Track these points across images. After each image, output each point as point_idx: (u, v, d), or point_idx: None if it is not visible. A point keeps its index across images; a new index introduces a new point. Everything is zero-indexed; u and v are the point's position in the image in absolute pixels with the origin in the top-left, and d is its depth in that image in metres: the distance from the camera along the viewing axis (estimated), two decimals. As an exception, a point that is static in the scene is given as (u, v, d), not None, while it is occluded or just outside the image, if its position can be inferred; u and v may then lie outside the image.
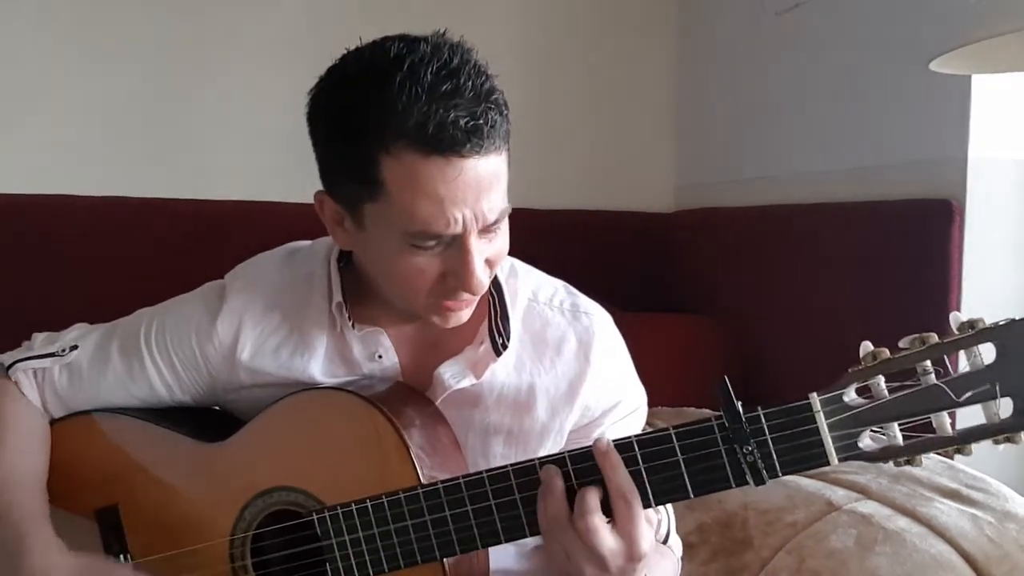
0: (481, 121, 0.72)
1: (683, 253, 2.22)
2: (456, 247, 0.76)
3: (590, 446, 0.74)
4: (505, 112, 0.76)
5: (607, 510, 0.73)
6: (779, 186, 1.88)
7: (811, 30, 1.81)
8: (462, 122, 0.71)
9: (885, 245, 1.53)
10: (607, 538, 0.72)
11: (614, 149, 2.30)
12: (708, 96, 2.23)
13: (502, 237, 0.81)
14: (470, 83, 0.72)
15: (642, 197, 2.30)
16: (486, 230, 0.77)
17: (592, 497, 0.72)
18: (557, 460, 0.76)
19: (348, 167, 0.76)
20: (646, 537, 0.73)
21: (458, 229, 0.75)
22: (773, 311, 1.86)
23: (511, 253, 0.95)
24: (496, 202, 0.76)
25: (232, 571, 0.88)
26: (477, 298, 0.83)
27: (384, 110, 0.72)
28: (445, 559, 0.80)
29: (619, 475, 0.72)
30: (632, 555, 0.72)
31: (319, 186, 0.83)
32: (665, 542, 0.96)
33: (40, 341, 0.97)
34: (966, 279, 1.40)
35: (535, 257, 0.98)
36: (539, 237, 1.65)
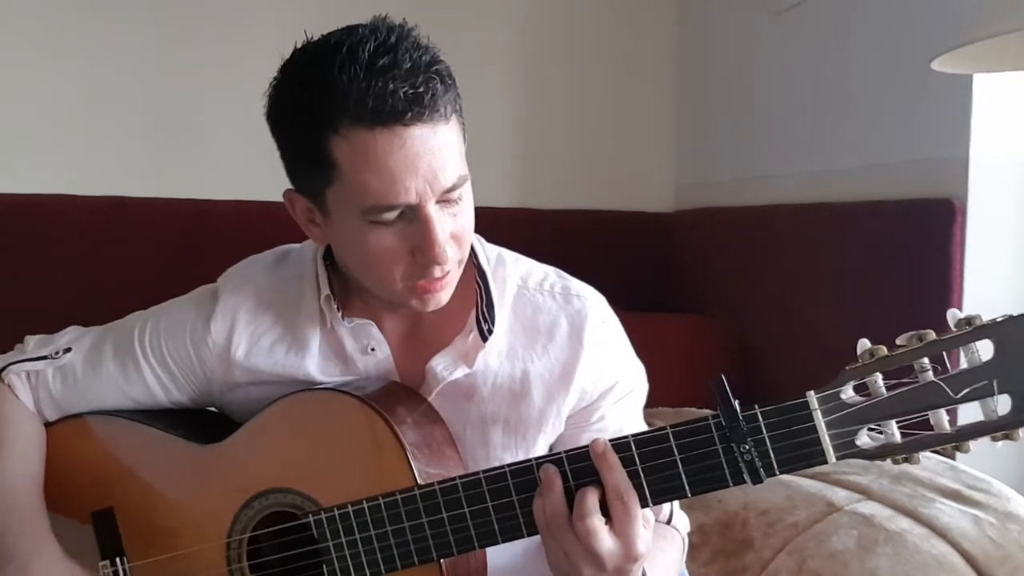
0: (421, 90, 0.73)
1: (683, 253, 2.22)
2: (417, 220, 0.77)
3: (587, 446, 0.74)
4: (449, 82, 0.77)
5: (604, 510, 0.73)
6: (779, 186, 1.88)
7: (811, 30, 1.81)
8: (401, 92, 0.72)
9: (886, 245, 1.52)
10: (605, 539, 0.72)
11: (614, 149, 2.30)
12: (708, 96, 2.23)
13: (466, 212, 0.81)
14: (408, 56, 0.74)
15: (642, 197, 2.30)
16: (446, 201, 0.78)
17: (591, 499, 0.72)
18: (555, 460, 0.75)
19: (304, 156, 0.78)
20: (643, 538, 0.73)
21: (412, 198, 0.75)
22: (773, 311, 1.85)
23: (509, 249, 0.95)
24: (449, 170, 0.77)
25: (229, 573, 0.88)
26: (453, 279, 0.83)
27: (327, 93, 0.73)
28: (442, 560, 0.79)
29: (616, 476, 0.72)
30: (629, 555, 0.72)
31: None
32: (669, 521, 0.96)
33: (33, 344, 0.97)
34: (968, 278, 1.40)
35: (535, 257, 0.98)
36: (539, 237, 1.65)
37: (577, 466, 0.75)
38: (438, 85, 0.75)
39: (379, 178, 0.74)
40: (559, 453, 0.76)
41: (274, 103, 0.80)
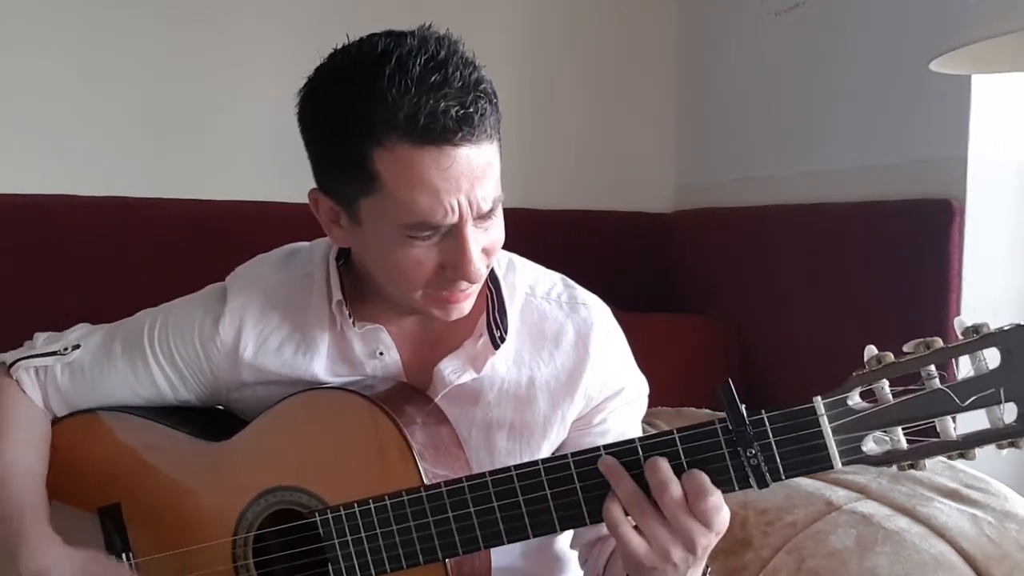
0: (471, 110, 0.73)
1: (683, 253, 2.22)
2: (452, 237, 0.77)
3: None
4: (494, 101, 0.77)
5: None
6: (779, 186, 1.89)
7: (811, 30, 1.81)
8: (452, 111, 0.72)
9: (885, 245, 1.53)
10: (690, 510, 0.70)
11: (614, 149, 2.30)
12: (708, 96, 2.23)
13: (497, 226, 0.81)
14: (458, 73, 0.73)
15: (642, 197, 2.30)
16: (481, 218, 0.78)
17: (665, 466, 0.71)
18: (589, 458, 0.75)
19: (342, 163, 0.77)
20: (726, 508, 0.72)
21: (454, 218, 0.76)
22: (773, 311, 1.86)
23: (510, 250, 0.96)
24: (489, 190, 0.77)
25: (234, 570, 0.89)
26: (476, 289, 0.84)
27: (375, 104, 0.72)
28: (447, 560, 0.80)
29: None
30: (715, 528, 0.71)
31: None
32: None
33: (42, 340, 0.97)
34: (966, 279, 1.41)
35: (535, 257, 0.98)
36: (539, 237, 1.65)
37: (587, 468, 0.75)
38: (486, 105, 0.75)
39: (424, 196, 0.74)
40: (594, 450, 0.75)
41: (311, 106, 0.79)
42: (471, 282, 0.80)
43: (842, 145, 1.71)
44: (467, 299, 0.83)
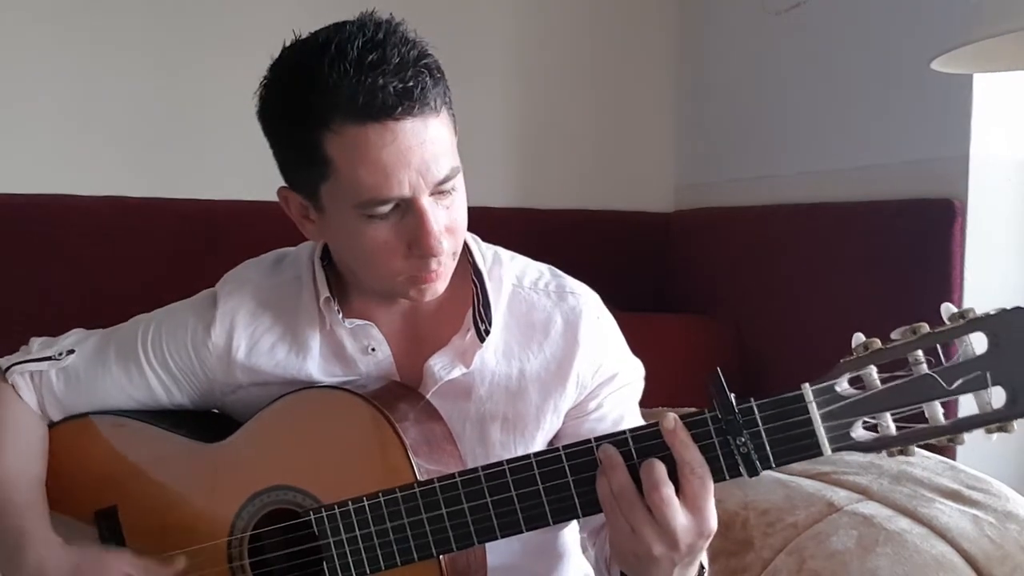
0: (411, 84, 0.74)
1: (683, 253, 2.22)
2: (411, 212, 0.78)
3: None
4: (439, 75, 0.78)
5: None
6: (779, 186, 1.88)
7: (811, 30, 1.81)
8: (391, 87, 0.74)
9: (886, 245, 1.53)
10: (679, 512, 0.70)
11: (614, 149, 2.31)
12: (708, 96, 2.23)
13: (459, 205, 0.82)
14: (396, 51, 0.75)
15: (642, 197, 2.31)
16: (440, 193, 0.79)
17: (660, 468, 0.71)
18: (581, 450, 0.75)
19: (298, 153, 0.79)
20: (715, 513, 0.72)
21: (405, 191, 0.76)
22: (773, 311, 1.85)
23: (510, 250, 0.96)
24: (441, 162, 0.78)
25: (230, 571, 0.89)
26: (448, 270, 0.84)
27: (318, 90, 0.75)
28: (442, 556, 0.80)
29: (691, 452, 0.71)
30: (703, 531, 0.71)
31: None
32: None
33: (37, 345, 0.98)
34: (968, 278, 1.40)
35: (535, 257, 0.98)
36: (539, 237, 1.65)
37: (579, 460, 0.75)
38: (427, 79, 0.76)
39: (372, 172, 0.75)
40: (586, 442, 0.75)
41: (265, 102, 0.81)
42: (435, 256, 0.80)
43: (842, 145, 1.71)
44: (440, 278, 0.83)
